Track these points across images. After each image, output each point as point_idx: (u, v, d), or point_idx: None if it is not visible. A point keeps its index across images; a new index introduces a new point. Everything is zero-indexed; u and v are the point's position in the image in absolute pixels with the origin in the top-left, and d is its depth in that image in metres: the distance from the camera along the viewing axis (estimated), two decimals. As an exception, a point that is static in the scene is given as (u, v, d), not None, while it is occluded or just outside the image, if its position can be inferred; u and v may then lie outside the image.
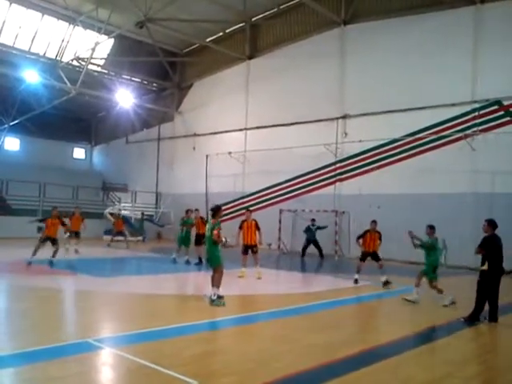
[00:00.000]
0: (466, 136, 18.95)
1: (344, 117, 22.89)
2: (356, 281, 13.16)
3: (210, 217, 10.14)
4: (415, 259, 19.25)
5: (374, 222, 13.85)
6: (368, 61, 22.21)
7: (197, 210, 17.97)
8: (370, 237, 13.63)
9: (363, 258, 13.50)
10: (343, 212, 22.40)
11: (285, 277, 14.83)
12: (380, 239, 13.77)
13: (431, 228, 11.25)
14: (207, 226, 9.88)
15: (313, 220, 21.47)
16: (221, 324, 7.78)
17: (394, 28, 21.42)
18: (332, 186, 23.12)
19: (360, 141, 21.61)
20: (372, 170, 21.67)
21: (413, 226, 19.74)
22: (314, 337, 7.14)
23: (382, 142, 21.32)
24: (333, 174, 23.17)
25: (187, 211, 17.28)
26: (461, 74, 19.35)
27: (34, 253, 14.34)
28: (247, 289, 12.07)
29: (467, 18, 19.40)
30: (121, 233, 23.20)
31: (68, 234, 18.37)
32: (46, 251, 14.67)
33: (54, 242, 14.81)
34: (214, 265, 9.54)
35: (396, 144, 20.97)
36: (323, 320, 8.66)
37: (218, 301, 9.10)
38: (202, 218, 17.38)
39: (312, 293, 11.53)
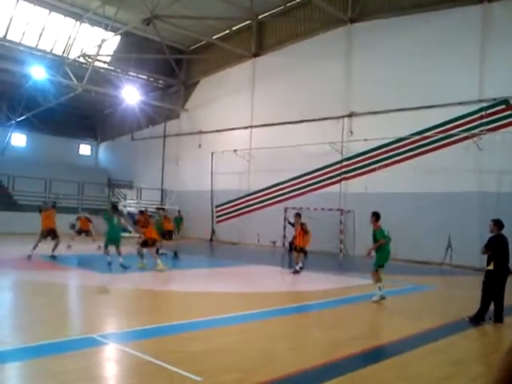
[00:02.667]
0: (473, 135, 18.86)
1: (350, 115, 22.84)
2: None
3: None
4: (420, 258, 19.34)
5: None
6: (374, 59, 22.13)
7: (162, 209, 20.12)
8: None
9: None
10: (348, 211, 22.35)
11: (289, 275, 14.81)
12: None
13: (373, 215, 11.14)
14: None
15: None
16: (225, 321, 7.78)
17: (401, 26, 21.32)
18: (337, 185, 23.08)
19: (365, 139, 21.57)
20: (378, 168, 21.61)
21: (418, 224, 19.91)
22: (319, 335, 7.14)
23: (387, 141, 21.25)
24: (338, 172, 23.13)
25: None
26: (468, 73, 19.26)
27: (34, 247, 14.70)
28: (250, 287, 12.06)
29: (475, 17, 19.28)
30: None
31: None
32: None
33: (54, 235, 15.26)
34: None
35: (402, 143, 20.91)
36: (328, 318, 8.65)
37: None
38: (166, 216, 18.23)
39: (316, 291, 11.51)
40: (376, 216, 10.85)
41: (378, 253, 10.45)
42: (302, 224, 14.66)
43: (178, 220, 21.27)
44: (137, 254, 14.09)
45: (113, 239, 13.48)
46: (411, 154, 20.67)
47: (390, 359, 5.95)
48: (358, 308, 9.71)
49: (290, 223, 15.53)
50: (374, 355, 6.13)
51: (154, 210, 23.10)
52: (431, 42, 20.37)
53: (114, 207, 13.94)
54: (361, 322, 8.26)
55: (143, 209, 16.67)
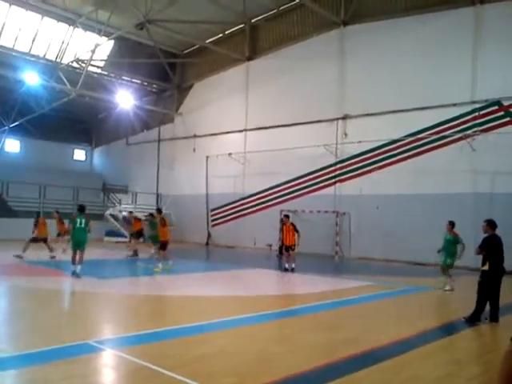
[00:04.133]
0: (466, 136, 18.95)
1: (344, 117, 22.90)
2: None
3: None
4: (415, 259, 19.38)
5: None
6: (368, 61, 22.22)
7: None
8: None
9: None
10: (344, 213, 22.39)
11: (285, 277, 14.82)
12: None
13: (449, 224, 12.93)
14: None
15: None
16: (221, 325, 7.77)
17: (393, 28, 21.42)
18: (332, 187, 23.12)
19: (360, 141, 21.64)
20: (373, 170, 21.66)
21: (412, 226, 19.96)
22: (316, 337, 7.13)
23: (382, 143, 21.32)
24: (333, 174, 23.17)
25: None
26: (461, 74, 19.36)
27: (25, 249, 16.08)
28: (246, 290, 12.05)
29: (467, 19, 19.39)
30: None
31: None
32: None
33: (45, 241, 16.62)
34: None
35: (396, 144, 20.98)
36: (324, 320, 8.66)
37: None
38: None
39: (312, 293, 11.52)
40: (452, 224, 12.48)
41: (451, 254, 12.16)
42: (292, 224, 15.68)
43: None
44: (160, 258, 14.87)
45: (76, 242, 12.63)
46: (405, 155, 20.75)
47: (388, 361, 5.95)
48: (354, 310, 9.72)
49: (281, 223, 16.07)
50: (372, 357, 6.12)
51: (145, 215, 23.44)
52: (425, 44, 20.46)
53: (81, 208, 13.04)
54: (357, 324, 8.27)
55: (158, 209, 17.25)
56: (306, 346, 6.65)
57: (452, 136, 19.41)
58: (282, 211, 23.12)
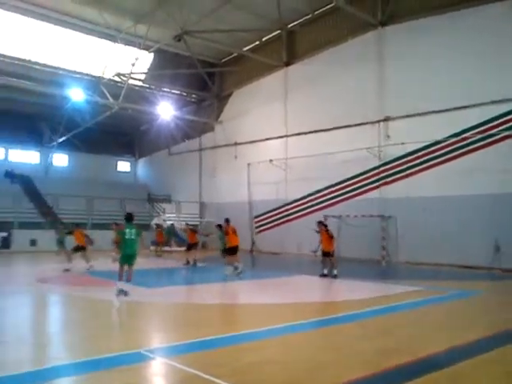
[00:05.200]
0: (516, 133, 18.25)
1: (386, 119, 22.51)
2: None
3: None
4: (466, 263, 18.75)
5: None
6: (408, 61, 21.75)
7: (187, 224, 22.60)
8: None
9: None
10: (389, 216, 21.93)
11: (332, 283, 14.62)
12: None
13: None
14: None
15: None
16: (270, 333, 7.71)
17: (434, 26, 20.87)
18: (377, 190, 22.73)
19: (403, 143, 21.19)
20: (418, 171, 21.12)
21: (462, 228, 19.33)
22: (364, 345, 6.97)
23: (426, 144, 20.80)
24: (377, 177, 22.78)
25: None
26: (508, 69, 18.66)
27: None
28: (293, 297, 11.96)
29: (509, 12, 18.72)
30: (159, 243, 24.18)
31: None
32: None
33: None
34: None
35: (442, 144, 20.39)
36: (372, 328, 8.46)
37: None
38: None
39: (360, 300, 11.30)
40: None
41: None
42: (326, 230, 15.65)
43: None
44: (230, 264, 15.36)
45: (126, 256, 11.19)
46: (451, 155, 20.11)
47: (439, 371, 5.69)
48: (402, 317, 9.46)
49: (316, 231, 15.86)
50: (422, 367, 5.91)
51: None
52: (466, 41, 19.84)
53: (129, 217, 11.58)
54: (406, 332, 8.03)
55: (226, 219, 17.07)
56: (354, 354, 6.51)
57: (499, 134, 18.73)
58: (325, 216, 22.90)
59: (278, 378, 5.44)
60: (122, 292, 10.90)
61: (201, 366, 5.65)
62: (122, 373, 5.56)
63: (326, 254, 15.43)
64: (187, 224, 22.81)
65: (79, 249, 17.37)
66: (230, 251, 15.64)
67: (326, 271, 15.38)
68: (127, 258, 11.13)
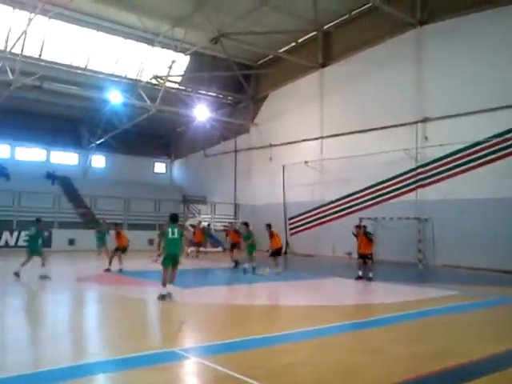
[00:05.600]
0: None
1: (424, 120, 22.10)
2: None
3: None
4: (505, 267, 18.18)
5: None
6: (447, 60, 21.30)
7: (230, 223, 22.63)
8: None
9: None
10: (426, 219, 21.51)
11: (367, 286, 14.44)
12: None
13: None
14: None
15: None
16: (305, 335, 7.67)
17: (474, 24, 20.35)
18: (413, 193, 22.33)
19: (441, 145, 20.76)
20: (457, 174, 20.64)
21: (502, 231, 18.77)
22: (401, 348, 6.85)
23: (465, 145, 20.31)
24: (414, 179, 22.38)
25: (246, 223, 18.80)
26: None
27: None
28: (328, 300, 11.87)
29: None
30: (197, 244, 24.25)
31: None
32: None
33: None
34: None
35: (483, 146, 19.84)
36: (409, 331, 8.31)
37: None
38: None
39: (396, 303, 11.11)
40: None
41: None
42: (365, 233, 15.52)
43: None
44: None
45: (169, 257, 10.73)
46: (493, 156, 19.53)
47: (482, 378, 5.53)
48: (440, 321, 9.25)
49: (353, 234, 15.94)
50: (463, 373, 5.75)
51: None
52: (509, 38, 19.28)
53: (174, 218, 11.17)
54: (444, 336, 7.84)
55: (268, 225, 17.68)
56: (391, 357, 6.40)
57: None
58: (360, 219, 22.66)
59: (311, 380, 5.40)
60: (165, 297, 10.36)
61: (234, 367, 5.67)
62: (157, 371, 5.63)
63: (363, 257, 15.27)
64: (230, 223, 22.96)
65: (120, 250, 17.01)
66: (277, 253, 17.04)
67: (360, 273, 15.19)
68: (170, 259, 10.63)
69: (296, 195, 28.39)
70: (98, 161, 40.19)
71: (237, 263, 19.02)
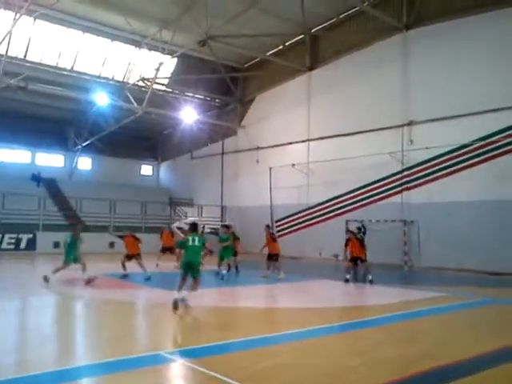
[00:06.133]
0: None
1: (409, 123, 22.29)
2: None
3: None
4: (495, 269, 18.37)
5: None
6: (433, 65, 21.53)
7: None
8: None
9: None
10: (412, 221, 21.69)
11: (353, 288, 14.50)
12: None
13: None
14: None
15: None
16: (291, 337, 7.67)
17: (459, 29, 20.64)
18: (399, 195, 22.50)
19: (427, 148, 20.95)
20: (442, 177, 20.87)
21: (486, 233, 18.98)
22: (388, 350, 6.88)
23: (450, 148, 20.53)
24: (399, 182, 22.56)
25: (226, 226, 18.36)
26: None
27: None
28: (316, 302, 11.89)
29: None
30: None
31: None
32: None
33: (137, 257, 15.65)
34: None
35: (466, 149, 20.10)
36: (396, 333, 8.35)
37: None
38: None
39: (383, 305, 11.17)
40: None
41: None
42: (355, 237, 15.74)
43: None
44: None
45: (186, 264, 10.17)
46: (477, 160, 19.80)
47: (466, 378, 5.58)
48: (427, 322, 9.32)
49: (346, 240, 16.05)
50: (449, 373, 5.79)
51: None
52: (492, 43, 19.58)
53: (194, 226, 10.82)
54: (431, 337, 7.91)
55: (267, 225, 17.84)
56: (378, 359, 6.42)
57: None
58: (347, 221, 22.80)
59: (298, 382, 5.40)
60: (177, 304, 9.54)
61: (220, 369, 5.64)
62: (143, 374, 5.59)
63: (353, 260, 15.39)
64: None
65: (132, 256, 15.84)
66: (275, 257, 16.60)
67: (348, 276, 15.19)
68: (187, 267, 10.09)
69: (283, 198, 28.43)
70: (85, 163, 39.89)
71: (229, 267, 18.80)
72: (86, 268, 13.85)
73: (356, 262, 15.34)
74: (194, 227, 10.80)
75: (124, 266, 15.67)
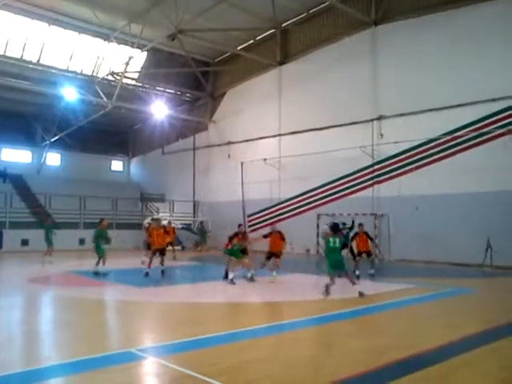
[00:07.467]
0: (510, 131, 18.32)
1: (379, 118, 22.58)
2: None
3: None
4: (459, 260, 18.83)
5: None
6: (402, 60, 21.85)
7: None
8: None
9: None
10: (382, 215, 22.01)
11: (323, 282, 14.62)
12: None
13: None
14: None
15: None
16: (262, 331, 7.70)
17: (427, 25, 21.00)
18: (370, 189, 22.78)
19: (396, 142, 21.26)
20: (411, 170, 21.23)
21: (455, 225, 19.41)
22: (357, 342, 6.96)
23: (418, 143, 20.88)
24: (370, 176, 22.84)
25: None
26: (500, 68, 18.76)
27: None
28: (287, 296, 11.94)
29: (501, 11, 18.84)
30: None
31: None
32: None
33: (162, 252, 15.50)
34: None
35: (435, 143, 20.49)
36: (366, 325, 8.48)
37: None
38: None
39: (352, 297, 11.30)
40: None
41: None
42: (364, 232, 15.42)
43: None
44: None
45: (334, 263, 11.35)
46: (444, 154, 20.25)
47: (433, 367, 5.70)
48: (395, 314, 9.48)
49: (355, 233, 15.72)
50: (416, 363, 5.91)
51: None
52: (459, 40, 19.99)
53: (335, 228, 11.53)
54: (399, 329, 8.05)
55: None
56: (347, 351, 6.50)
57: (493, 132, 18.82)
58: (319, 215, 22.97)
59: (269, 376, 5.41)
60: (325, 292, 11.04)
61: (192, 366, 5.63)
62: (113, 372, 5.52)
63: (360, 254, 15.45)
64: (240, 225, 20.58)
65: (159, 250, 15.42)
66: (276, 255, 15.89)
67: (358, 272, 14.95)
68: (334, 266, 11.35)
69: (255, 192, 28.44)
70: (53, 158, 39.04)
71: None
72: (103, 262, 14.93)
73: (360, 256, 15.24)
74: (334, 229, 11.51)
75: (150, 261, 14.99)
